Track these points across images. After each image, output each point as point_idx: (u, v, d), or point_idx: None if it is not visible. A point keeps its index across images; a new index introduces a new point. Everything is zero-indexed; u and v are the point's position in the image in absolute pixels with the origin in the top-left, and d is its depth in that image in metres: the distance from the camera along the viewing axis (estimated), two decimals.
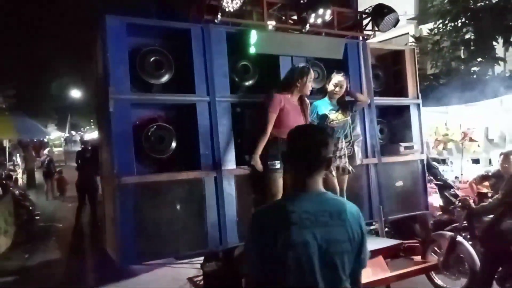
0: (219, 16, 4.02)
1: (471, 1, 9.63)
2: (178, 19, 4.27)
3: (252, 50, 4.25)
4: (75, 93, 31.10)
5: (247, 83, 4.59)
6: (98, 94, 4.59)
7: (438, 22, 10.02)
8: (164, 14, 4.30)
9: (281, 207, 1.77)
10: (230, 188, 4.15)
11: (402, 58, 5.59)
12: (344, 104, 4.55)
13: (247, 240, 1.85)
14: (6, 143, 14.07)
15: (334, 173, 4.38)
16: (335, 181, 4.39)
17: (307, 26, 4.52)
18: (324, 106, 4.48)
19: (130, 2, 4.66)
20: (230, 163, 4.16)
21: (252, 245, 1.78)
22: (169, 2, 4.31)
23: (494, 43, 9.41)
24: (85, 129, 46.53)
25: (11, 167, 14.42)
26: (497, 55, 9.48)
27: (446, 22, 9.82)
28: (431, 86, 9.32)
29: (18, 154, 18.15)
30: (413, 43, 10.86)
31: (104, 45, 3.85)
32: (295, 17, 4.82)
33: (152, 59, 4.05)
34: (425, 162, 5.58)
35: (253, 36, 4.20)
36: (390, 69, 5.77)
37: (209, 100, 4.12)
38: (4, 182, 10.02)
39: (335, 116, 4.44)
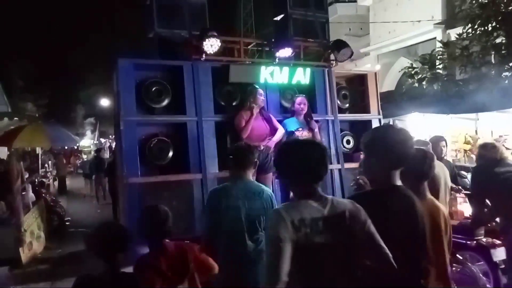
0: (203, 56, 5.24)
1: (502, 5, 9.14)
2: (175, 57, 5.54)
3: (231, 80, 5.46)
4: (104, 102, 32.69)
5: (232, 104, 5.77)
6: (115, 115, 5.88)
7: (467, 27, 9.48)
8: (164, 53, 5.53)
9: (226, 187, 3.22)
10: (213, 187, 5.32)
11: (366, 81, 6.66)
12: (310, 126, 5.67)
13: (204, 207, 3.30)
14: (39, 151, 14.72)
15: None
16: None
17: (277, 59, 5.69)
18: (292, 124, 5.63)
19: (141, 44, 6.00)
20: (213, 168, 5.35)
21: (207, 209, 3.27)
22: (168, 45, 5.53)
23: None
24: (113, 136, 48.14)
25: (43, 174, 14.97)
26: None
27: (476, 26, 9.28)
28: (461, 92, 9.01)
29: (50, 161, 19.61)
30: (441, 48, 10.42)
31: (117, 79, 5.13)
32: None
33: (154, 88, 5.27)
34: None
35: (231, 69, 5.41)
36: (356, 89, 6.81)
37: (197, 119, 5.32)
38: (36, 188, 10.26)
39: (301, 134, 5.57)
